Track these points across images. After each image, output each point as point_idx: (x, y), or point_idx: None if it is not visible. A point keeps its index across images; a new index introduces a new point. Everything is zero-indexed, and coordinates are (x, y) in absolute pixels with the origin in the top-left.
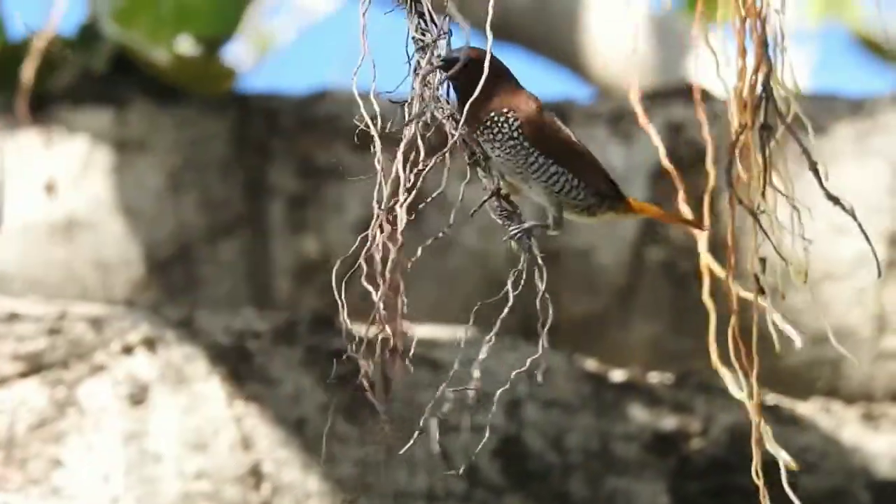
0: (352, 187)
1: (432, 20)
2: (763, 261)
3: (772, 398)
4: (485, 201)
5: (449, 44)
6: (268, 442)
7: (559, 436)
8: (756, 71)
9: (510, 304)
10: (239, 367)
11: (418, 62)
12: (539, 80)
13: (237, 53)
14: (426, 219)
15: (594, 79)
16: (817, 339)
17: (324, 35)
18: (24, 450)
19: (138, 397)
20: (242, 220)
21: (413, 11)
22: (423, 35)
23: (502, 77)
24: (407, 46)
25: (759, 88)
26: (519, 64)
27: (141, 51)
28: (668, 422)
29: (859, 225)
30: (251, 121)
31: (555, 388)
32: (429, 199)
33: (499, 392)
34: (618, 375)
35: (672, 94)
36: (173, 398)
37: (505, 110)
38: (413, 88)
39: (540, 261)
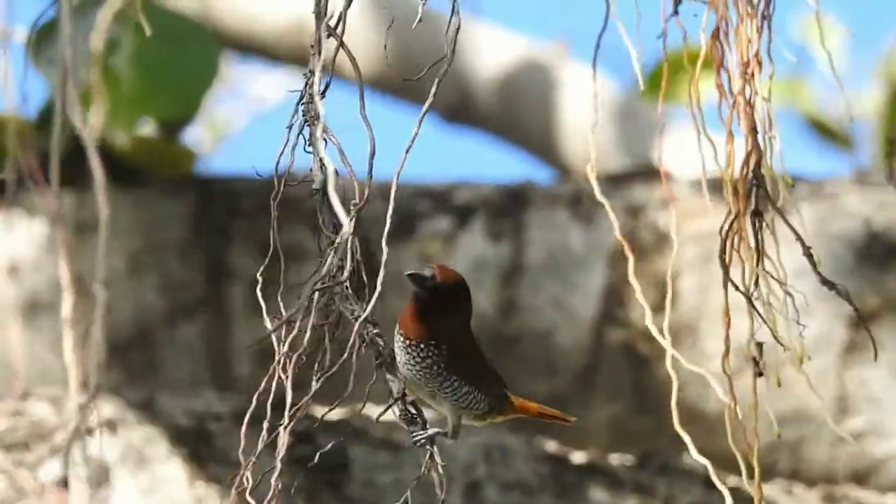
0: (312, 270)
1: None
2: (760, 345)
3: (733, 480)
4: (389, 406)
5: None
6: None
7: None
8: (747, 160)
9: None
10: (199, 448)
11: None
12: (501, 162)
13: (195, 138)
14: (385, 302)
15: (560, 162)
16: (778, 421)
17: (274, 122)
18: None
19: (99, 479)
20: (203, 302)
21: (324, 205)
22: (334, 232)
23: (450, 301)
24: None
25: (749, 175)
26: (480, 147)
27: (101, 133)
28: (629, 502)
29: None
30: (211, 203)
31: (515, 470)
32: None
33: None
34: (578, 457)
35: (632, 176)
36: (134, 480)
37: (433, 343)
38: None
39: (440, 469)
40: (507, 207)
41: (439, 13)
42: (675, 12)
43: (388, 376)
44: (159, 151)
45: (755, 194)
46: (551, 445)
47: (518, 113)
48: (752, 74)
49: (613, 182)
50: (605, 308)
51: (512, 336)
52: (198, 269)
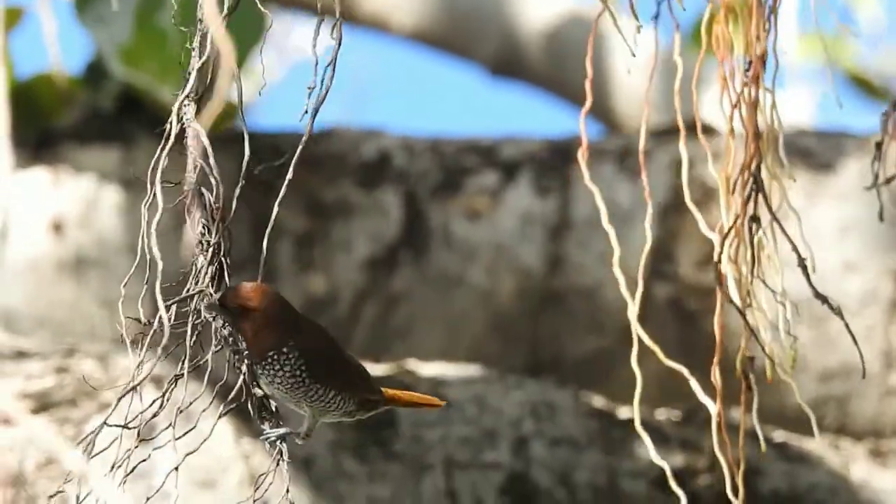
0: (360, 226)
1: (212, 219)
2: (751, 359)
3: (780, 435)
4: (242, 401)
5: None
6: (275, 480)
7: (567, 473)
8: (748, 164)
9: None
10: (246, 404)
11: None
12: (547, 116)
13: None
14: (432, 258)
15: (608, 116)
16: (825, 375)
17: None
18: (32, 487)
19: (145, 435)
20: (249, 258)
21: (197, 205)
22: (206, 234)
23: (281, 311)
24: None
25: (749, 181)
26: (527, 101)
27: (148, 90)
28: (676, 458)
29: (848, 327)
30: (257, 159)
31: (562, 426)
32: None
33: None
34: (625, 412)
35: (678, 131)
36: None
37: (285, 350)
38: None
39: (286, 466)
40: (554, 162)
41: None
42: None
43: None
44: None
45: (754, 200)
46: (598, 401)
47: (565, 67)
48: (757, 76)
49: (660, 137)
50: (652, 263)
51: (559, 292)
52: (243, 225)
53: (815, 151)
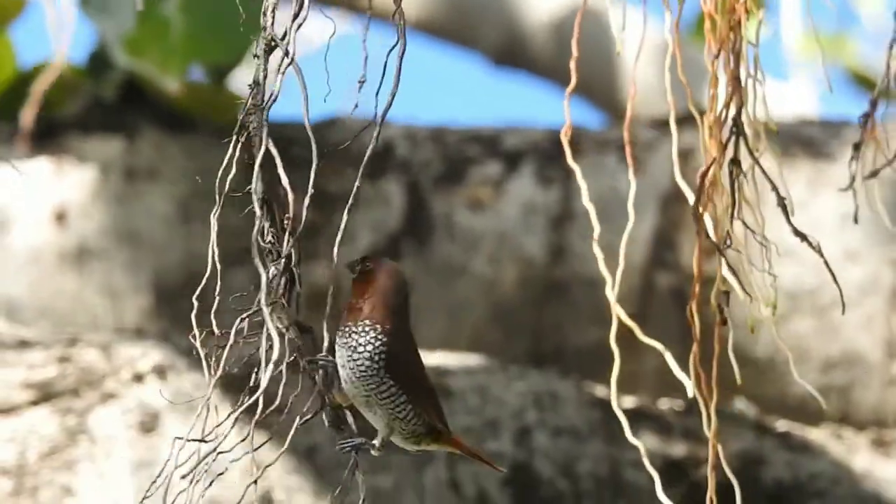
0: (362, 216)
1: (282, 229)
2: (727, 294)
3: (782, 424)
4: (317, 412)
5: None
6: (279, 470)
7: (569, 463)
8: (727, 105)
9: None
10: (249, 395)
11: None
12: (550, 106)
13: (244, 84)
14: (435, 247)
15: (613, 106)
16: (827, 365)
17: (321, 64)
18: (34, 478)
19: (149, 425)
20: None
21: (264, 213)
22: (273, 244)
23: (395, 300)
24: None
25: (729, 123)
26: (531, 91)
27: (151, 79)
28: (678, 448)
29: (826, 264)
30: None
31: (565, 416)
32: None
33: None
34: (627, 402)
35: (681, 121)
36: (184, 426)
37: (378, 327)
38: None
39: (360, 479)
40: (557, 152)
41: None
42: None
43: (320, 382)
44: (209, 98)
45: (734, 143)
46: (600, 391)
47: (569, 56)
48: (739, 21)
49: (662, 126)
50: (654, 253)
51: (562, 282)
52: (248, 215)
53: (817, 141)
